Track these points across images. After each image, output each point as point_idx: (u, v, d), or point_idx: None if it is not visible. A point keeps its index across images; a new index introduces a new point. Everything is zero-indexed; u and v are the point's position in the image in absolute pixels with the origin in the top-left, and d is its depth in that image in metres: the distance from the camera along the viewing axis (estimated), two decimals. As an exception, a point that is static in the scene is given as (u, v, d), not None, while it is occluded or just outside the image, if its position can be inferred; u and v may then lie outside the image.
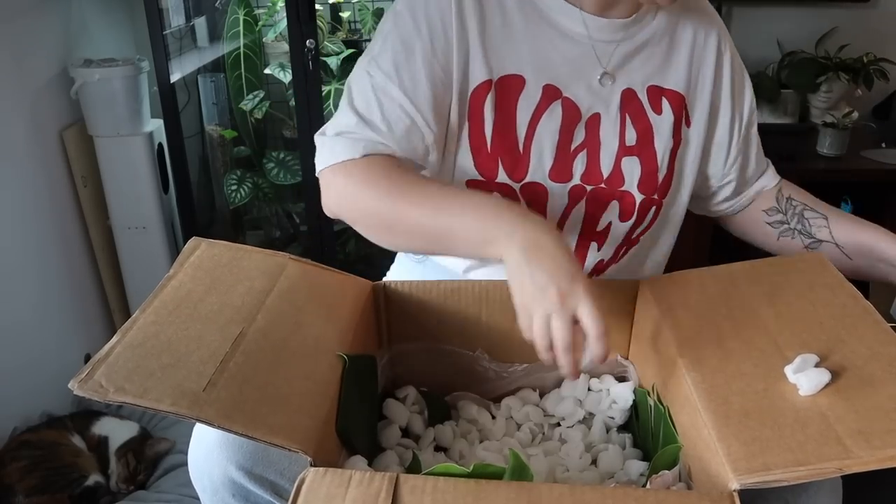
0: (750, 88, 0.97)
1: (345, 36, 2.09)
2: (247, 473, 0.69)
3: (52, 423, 1.52)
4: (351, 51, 2.02)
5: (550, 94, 0.85)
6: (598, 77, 0.86)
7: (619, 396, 0.82)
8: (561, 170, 0.87)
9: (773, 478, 0.53)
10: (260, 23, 2.02)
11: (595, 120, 0.87)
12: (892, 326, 0.67)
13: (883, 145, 2.06)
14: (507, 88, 0.85)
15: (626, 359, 0.85)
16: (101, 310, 1.94)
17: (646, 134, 0.89)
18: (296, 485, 0.53)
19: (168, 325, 0.65)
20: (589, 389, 0.85)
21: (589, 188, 0.89)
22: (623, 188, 0.89)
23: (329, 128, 0.84)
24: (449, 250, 0.82)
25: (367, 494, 0.52)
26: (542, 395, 0.86)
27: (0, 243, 1.53)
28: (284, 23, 1.79)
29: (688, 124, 0.92)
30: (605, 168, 0.88)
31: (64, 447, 1.44)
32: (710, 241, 1.89)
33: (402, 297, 0.83)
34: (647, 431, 0.77)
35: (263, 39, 2.06)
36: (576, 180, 0.88)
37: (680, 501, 0.54)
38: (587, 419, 0.83)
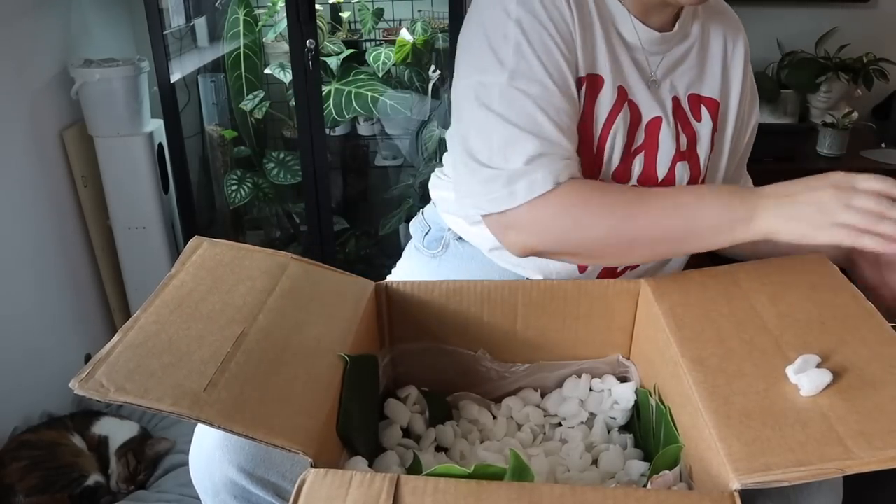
0: (757, 102, 1.00)
1: (345, 36, 2.08)
2: (248, 475, 0.69)
3: (53, 423, 1.52)
4: (351, 51, 2.02)
5: (622, 95, 0.86)
6: (649, 83, 0.88)
7: (621, 396, 0.82)
8: (623, 171, 0.88)
9: (774, 478, 0.53)
10: (260, 23, 2.02)
11: (656, 123, 0.88)
12: (893, 327, 0.67)
13: (883, 145, 2.06)
14: (591, 86, 0.85)
15: (628, 359, 0.85)
16: (101, 310, 1.94)
17: (693, 140, 0.91)
18: (296, 486, 0.53)
19: (169, 324, 0.65)
20: (591, 390, 0.85)
21: None
22: None
23: (495, 159, 0.77)
24: (695, 246, 0.77)
25: (367, 495, 0.52)
26: (543, 396, 0.86)
27: (0, 243, 1.53)
28: (284, 23, 1.79)
29: (721, 131, 0.94)
30: (661, 171, 0.89)
31: (64, 447, 1.44)
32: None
33: (403, 297, 0.82)
34: (649, 432, 0.77)
35: (263, 39, 2.06)
36: (633, 181, 0.89)
37: (681, 501, 0.54)
38: (588, 419, 0.83)
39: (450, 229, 1.02)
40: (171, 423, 1.63)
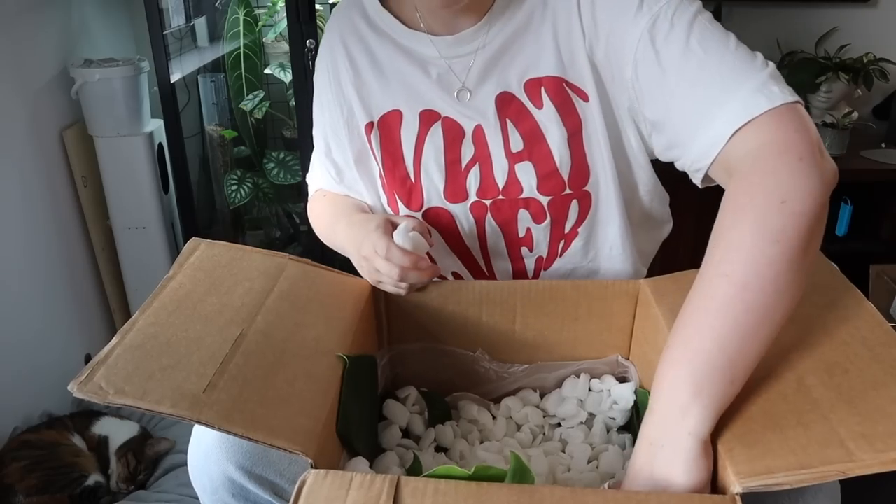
0: (634, 7, 0.73)
1: (345, 36, 2.08)
2: (246, 473, 0.69)
3: (53, 423, 1.52)
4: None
5: (428, 118, 0.86)
6: (459, 94, 0.85)
7: (620, 397, 0.82)
8: (455, 190, 0.87)
9: (776, 481, 0.53)
10: (260, 23, 2.02)
11: (480, 132, 0.86)
12: (893, 327, 0.67)
13: (883, 145, 2.06)
14: (388, 125, 0.88)
15: (627, 359, 0.85)
16: (101, 310, 1.94)
17: (534, 134, 0.83)
18: (296, 487, 0.53)
19: (168, 326, 0.65)
20: (590, 390, 0.85)
21: (488, 202, 0.87)
22: (523, 195, 0.86)
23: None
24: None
25: (367, 497, 0.52)
26: (542, 396, 0.86)
27: (0, 243, 1.53)
28: (284, 23, 1.79)
29: (585, 99, 0.81)
30: (500, 179, 0.86)
31: (64, 447, 1.44)
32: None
33: (402, 297, 0.82)
34: (648, 433, 0.76)
35: (263, 39, 2.06)
36: (472, 197, 0.87)
37: (681, 504, 0.54)
38: (588, 420, 0.83)
39: None
40: (171, 424, 1.63)
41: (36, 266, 1.65)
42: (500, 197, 0.87)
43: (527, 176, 0.84)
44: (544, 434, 0.84)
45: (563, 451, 0.80)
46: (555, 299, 0.82)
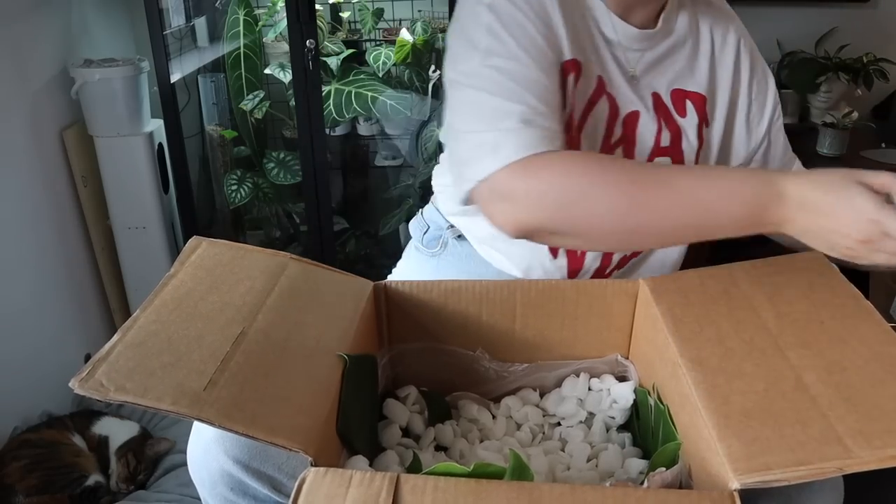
0: (773, 89, 0.96)
1: (345, 36, 2.09)
2: (244, 467, 0.70)
3: (53, 423, 1.52)
4: (351, 51, 2.02)
5: (601, 86, 0.86)
6: (628, 78, 0.87)
7: (620, 396, 0.82)
8: None
9: (774, 477, 0.53)
10: (260, 23, 2.02)
11: (633, 118, 0.87)
12: (892, 326, 0.67)
13: (883, 145, 2.06)
14: (574, 72, 0.82)
15: (627, 358, 0.85)
16: (101, 310, 1.94)
17: (677, 136, 0.90)
18: (296, 485, 0.53)
19: (169, 324, 0.65)
20: (589, 389, 0.85)
21: None
22: None
23: (481, 126, 0.72)
24: (710, 233, 0.70)
25: (367, 494, 0.52)
26: (542, 395, 0.86)
27: (0, 243, 1.53)
28: (284, 23, 1.79)
29: (707, 125, 0.92)
30: None
31: (64, 447, 1.44)
32: (711, 241, 1.90)
33: (402, 296, 0.83)
34: (648, 431, 0.77)
35: (263, 39, 2.06)
36: None
37: (680, 501, 0.54)
38: (587, 419, 0.83)
39: (450, 227, 1.02)
40: (171, 423, 1.63)
41: (36, 266, 1.66)
42: None
43: None
44: (544, 433, 0.84)
45: (563, 450, 0.80)
46: (554, 299, 0.82)
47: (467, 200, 0.75)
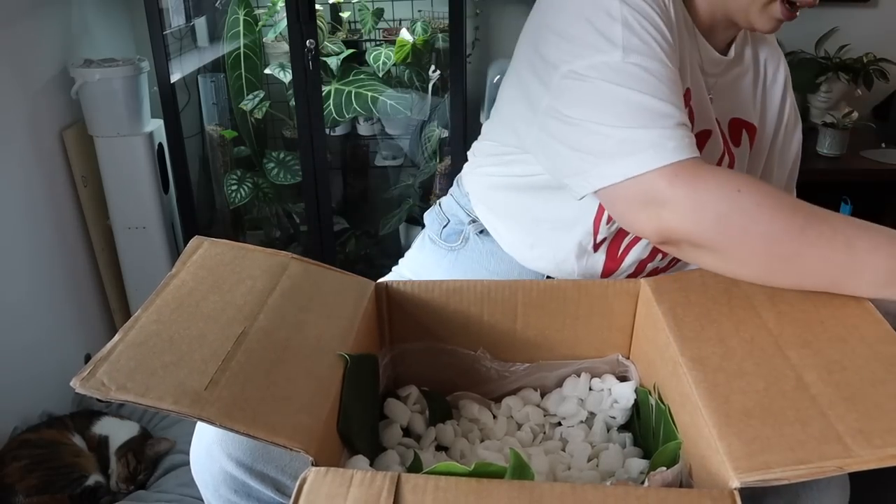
0: (800, 126, 1.00)
1: (345, 36, 2.09)
2: (247, 469, 0.70)
3: (53, 423, 1.52)
4: (351, 51, 2.03)
5: (687, 95, 0.83)
6: (706, 97, 0.88)
7: (621, 396, 0.82)
8: None
9: (774, 476, 0.53)
10: (260, 23, 2.02)
11: (705, 136, 0.88)
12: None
13: (883, 145, 2.06)
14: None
15: (628, 358, 0.85)
16: (101, 310, 1.94)
17: (731, 164, 0.92)
18: (297, 484, 0.53)
19: (170, 323, 0.65)
20: (590, 389, 0.85)
21: None
22: None
23: (630, 122, 0.69)
24: (844, 288, 0.69)
25: (368, 494, 0.52)
26: (543, 395, 0.86)
27: (0, 243, 1.53)
28: (284, 23, 1.79)
29: (751, 156, 0.96)
30: None
31: (64, 447, 1.44)
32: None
33: (404, 296, 0.83)
34: (648, 430, 0.77)
35: (263, 39, 2.06)
36: None
37: (680, 500, 0.54)
38: (588, 419, 0.83)
39: (473, 222, 0.98)
40: (171, 423, 1.63)
41: (36, 266, 1.66)
42: None
43: None
44: (545, 433, 0.84)
45: (564, 450, 0.80)
46: (556, 298, 0.82)
47: (587, 194, 0.73)
